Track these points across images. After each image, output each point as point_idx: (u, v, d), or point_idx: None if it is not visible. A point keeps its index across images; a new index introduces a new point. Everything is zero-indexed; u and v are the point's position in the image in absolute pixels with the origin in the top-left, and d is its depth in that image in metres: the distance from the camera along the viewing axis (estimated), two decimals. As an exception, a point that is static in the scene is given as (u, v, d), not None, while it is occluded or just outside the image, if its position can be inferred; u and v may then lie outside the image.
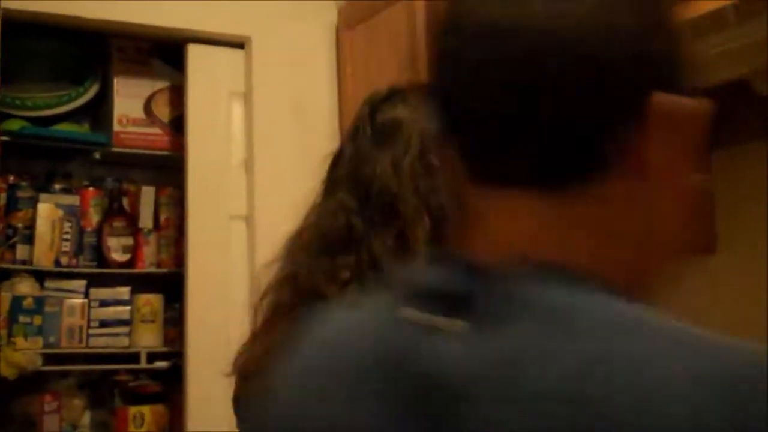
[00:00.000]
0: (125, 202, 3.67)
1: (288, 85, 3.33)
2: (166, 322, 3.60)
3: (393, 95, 1.30)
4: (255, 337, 1.28)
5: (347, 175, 1.27)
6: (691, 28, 1.82)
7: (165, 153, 3.62)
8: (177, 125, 3.54)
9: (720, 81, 1.66)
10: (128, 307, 3.55)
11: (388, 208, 1.21)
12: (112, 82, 3.59)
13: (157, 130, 3.63)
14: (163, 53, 3.64)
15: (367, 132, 1.27)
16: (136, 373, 3.57)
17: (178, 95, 3.54)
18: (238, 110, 3.34)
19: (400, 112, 1.26)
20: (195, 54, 3.31)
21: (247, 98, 3.34)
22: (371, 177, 1.23)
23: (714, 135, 2.21)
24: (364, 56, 3.20)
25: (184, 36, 3.29)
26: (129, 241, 3.61)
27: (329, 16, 3.41)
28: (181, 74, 3.40)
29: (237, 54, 3.37)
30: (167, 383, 3.54)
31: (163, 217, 3.67)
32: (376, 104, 1.30)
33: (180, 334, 3.35)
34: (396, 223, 1.20)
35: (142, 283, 3.62)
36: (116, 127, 3.56)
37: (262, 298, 1.29)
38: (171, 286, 3.49)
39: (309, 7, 3.42)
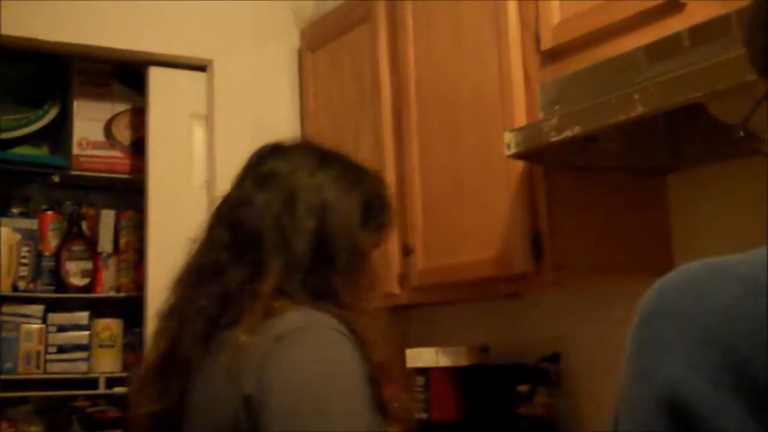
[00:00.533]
0: (84, 225, 3.64)
1: (250, 107, 3.33)
2: (126, 347, 3.57)
3: (277, 150, 1.48)
4: (146, 369, 1.41)
5: (226, 214, 1.43)
6: (646, 54, 1.86)
7: (125, 176, 3.60)
8: (137, 148, 3.53)
9: (676, 105, 1.69)
10: (87, 332, 3.52)
11: (252, 244, 1.36)
12: (72, 105, 3.57)
13: (117, 153, 3.61)
14: (124, 76, 3.62)
15: (249, 179, 1.44)
16: (94, 399, 3.53)
17: (138, 118, 3.53)
18: (199, 132, 3.34)
19: (280, 164, 1.44)
20: (156, 76, 3.30)
21: (209, 120, 3.33)
22: (244, 216, 1.39)
23: (672, 157, 2.25)
24: (327, 79, 3.21)
25: (145, 59, 3.28)
26: (88, 265, 3.58)
27: (291, 39, 3.43)
28: (142, 97, 3.39)
29: (198, 76, 3.37)
30: (127, 409, 3.49)
31: (122, 241, 3.65)
32: (261, 156, 1.48)
33: (139, 359, 3.32)
34: (255, 258, 1.34)
35: (101, 308, 3.59)
36: (75, 150, 3.54)
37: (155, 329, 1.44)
38: (130, 310, 3.46)
39: (271, 30, 3.43)
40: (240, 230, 1.39)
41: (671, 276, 0.65)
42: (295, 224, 1.36)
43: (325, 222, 1.38)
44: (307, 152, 1.48)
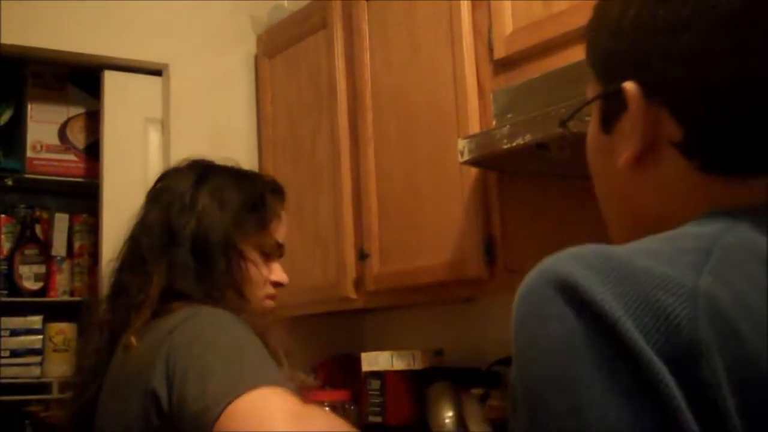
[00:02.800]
0: (38, 229, 3.61)
1: (206, 112, 3.33)
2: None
3: (171, 169, 1.61)
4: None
5: (129, 232, 1.55)
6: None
7: (79, 179, 3.58)
8: (92, 152, 3.51)
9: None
10: (40, 337, 3.48)
11: (141, 256, 1.48)
12: (26, 108, 3.54)
13: (71, 157, 3.59)
14: (79, 79, 3.60)
15: (147, 197, 1.58)
16: (47, 404, 3.50)
17: (93, 121, 3.51)
18: (154, 137, 3.33)
19: (167, 181, 1.57)
20: (111, 80, 3.29)
21: (164, 125, 3.33)
22: (135, 232, 1.53)
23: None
24: (283, 85, 3.23)
25: (100, 62, 3.27)
26: (41, 269, 3.55)
27: (248, 45, 3.44)
28: (97, 100, 3.37)
29: (154, 81, 3.36)
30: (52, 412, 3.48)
31: (76, 245, 3.62)
32: (160, 176, 1.61)
33: (83, 358, 3.30)
34: (145, 268, 1.46)
35: (54, 312, 3.56)
36: (30, 153, 3.51)
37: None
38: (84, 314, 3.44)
39: (228, 36, 3.44)
40: (133, 248, 1.52)
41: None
42: (174, 231, 1.47)
43: (200, 225, 1.47)
44: (192, 168, 1.58)
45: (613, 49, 0.73)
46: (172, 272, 1.43)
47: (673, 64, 0.68)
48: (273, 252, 1.61)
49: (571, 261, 0.61)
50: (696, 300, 0.56)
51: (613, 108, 0.73)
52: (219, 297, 1.42)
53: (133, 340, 1.36)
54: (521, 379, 0.60)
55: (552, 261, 0.62)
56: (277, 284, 1.62)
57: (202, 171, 1.57)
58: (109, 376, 1.41)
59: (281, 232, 1.62)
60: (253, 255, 1.54)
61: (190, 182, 1.53)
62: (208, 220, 1.49)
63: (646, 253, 0.61)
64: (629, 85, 0.70)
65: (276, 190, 1.64)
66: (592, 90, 0.77)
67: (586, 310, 0.57)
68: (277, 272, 1.61)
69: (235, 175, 1.60)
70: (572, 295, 0.58)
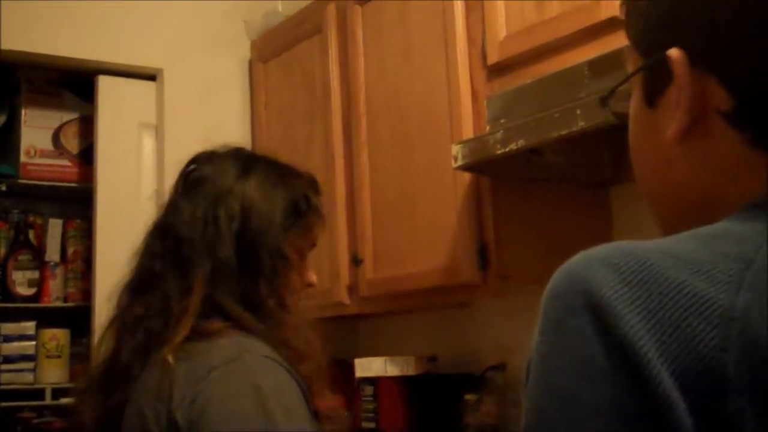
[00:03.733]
0: (31, 234, 3.60)
1: (200, 117, 3.33)
2: (73, 357, 3.53)
3: (206, 156, 1.50)
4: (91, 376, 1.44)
5: (159, 222, 1.45)
6: (589, 69, 1.91)
7: (73, 185, 3.58)
8: (86, 157, 3.50)
9: (617, 119, 1.73)
10: (33, 342, 3.47)
11: (180, 251, 1.38)
12: (20, 113, 3.53)
13: (65, 162, 3.58)
14: (73, 84, 3.60)
15: (180, 185, 1.47)
16: (40, 410, 3.49)
17: (87, 126, 3.50)
18: (148, 142, 3.33)
19: (207, 170, 1.45)
20: (105, 85, 3.29)
21: (158, 130, 3.33)
22: (172, 223, 1.42)
23: (614, 170, 2.30)
24: (277, 90, 3.23)
25: (94, 67, 3.27)
26: (35, 274, 3.54)
27: (242, 50, 3.44)
28: (91, 105, 3.37)
29: (148, 86, 3.36)
30: (70, 417, 3.46)
31: (70, 250, 3.62)
32: (192, 163, 1.49)
33: (87, 369, 3.29)
34: (184, 266, 1.36)
35: (47, 318, 3.55)
36: (23, 159, 3.50)
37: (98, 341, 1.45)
38: (78, 320, 3.43)
39: (222, 41, 3.44)
40: (169, 238, 1.40)
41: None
42: (219, 229, 1.38)
43: (247, 225, 1.39)
44: (234, 158, 1.49)
45: (654, 17, 0.69)
46: (215, 277, 1.34)
47: (720, 28, 0.64)
48: (308, 253, 1.54)
49: (604, 269, 0.58)
50: (729, 325, 0.53)
51: (657, 80, 0.69)
52: (260, 309, 1.34)
53: (170, 359, 1.26)
54: (536, 378, 0.59)
55: (585, 264, 0.60)
56: (309, 286, 1.55)
57: (245, 162, 1.48)
58: (140, 385, 1.31)
59: (321, 232, 1.56)
60: (295, 259, 1.46)
61: (233, 174, 1.43)
62: (256, 219, 1.40)
63: (682, 259, 0.57)
64: (674, 52, 0.66)
65: (317, 188, 1.56)
66: (633, 66, 0.73)
67: (611, 334, 0.55)
68: (311, 274, 1.55)
69: (278, 169, 1.50)
70: (599, 315, 0.56)
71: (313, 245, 1.54)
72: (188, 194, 1.44)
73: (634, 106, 0.73)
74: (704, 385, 0.53)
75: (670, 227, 0.73)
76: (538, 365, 0.59)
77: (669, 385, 0.53)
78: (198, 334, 1.29)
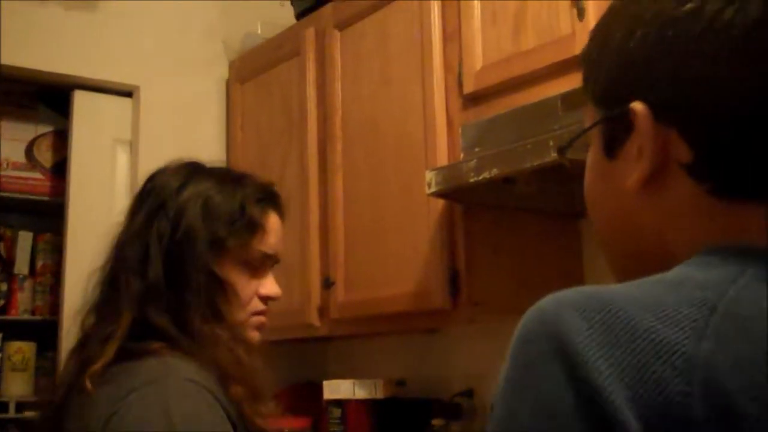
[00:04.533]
0: (1, 246, 3.58)
1: (175, 135, 3.33)
2: (38, 371, 3.50)
3: (159, 171, 1.47)
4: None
5: (113, 241, 1.43)
6: (563, 102, 1.94)
7: (45, 198, 3.56)
8: (59, 171, 3.49)
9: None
10: (-1, 355, 3.44)
11: (116, 272, 1.38)
12: (-6, 125, 3.52)
13: (38, 175, 3.56)
14: (49, 98, 3.59)
15: (133, 199, 1.46)
16: (4, 423, 3.46)
17: (61, 140, 3.49)
18: (123, 158, 3.32)
19: (155, 183, 1.44)
20: (81, 100, 3.28)
21: (133, 146, 3.32)
22: (117, 243, 1.42)
23: (584, 204, 2.31)
24: (254, 111, 3.24)
25: (71, 82, 3.26)
26: (3, 286, 3.51)
27: (220, 70, 3.45)
28: (66, 119, 3.36)
29: (124, 102, 3.36)
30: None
31: (39, 264, 3.59)
32: (147, 180, 1.47)
33: (52, 384, 3.27)
34: (120, 282, 1.36)
35: (14, 330, 3.52)
36: (-5, 170, 3.48)
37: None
38: (45, 334, 3.41)
39: (200, 60, 3.45)
40: (112, 257, 1.40)
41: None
42: (149, 246, 1.35)
43: (175, 240, 1.35)
44: (182, 168, 1.46)
45: (616, 72, 0.71)
46: (146, 297, 1.32)
47: (682, 84, 0.66)
48: (260, 265, 1.45)
49: (574, 315, 0.60)
50: (693, 371, 0.55)
51: (617, 132, 0.71)
52: (188, 328, 1.30)
53: (88, 385, 1.24)
54: (502, 419, 0.60)
55: (555, 310, 0.61)
56: (267, 298, 1.47)
57: (188, 173, 1.44)
58: (71, 412, 1.30)
59: (269, 242, 1.46)
60: (235, 271, 1.40)
61: (173, 187, 1.40)
62: (184, 232, 1.36)
63: (648, 305, 0.59)
64: (638, 106, 0.68)
65: (264, 198, 1.47)
66: (591, 117, 0.76)
67: (580, 380, 0.57)
68: (267, 285, 1.47)
69: (221, 179, 1.44)
70: (568, 361, 0.58)
71: (265, 256, 1.46)
72: (135, 209, 1.43)
73: (592, 156, 0.76)
74: (671, 428, 0.55)
75: (623, 273, 0.75)
76: (505, 406, 0.61)
77: (636, 430, 0.54)
78: (131, 355, 1.26)
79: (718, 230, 0.66)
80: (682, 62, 0.66)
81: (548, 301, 0.63)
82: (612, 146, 0.72)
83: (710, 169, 0.66)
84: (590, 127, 0.75)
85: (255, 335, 1.46)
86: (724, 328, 0.57)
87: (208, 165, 1.50)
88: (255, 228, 1.43)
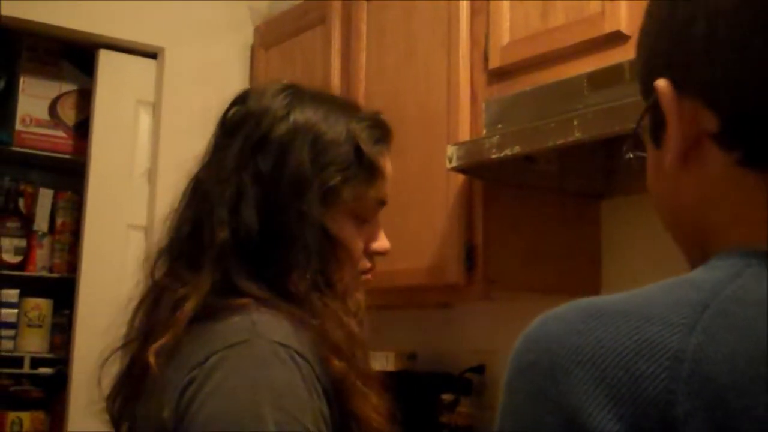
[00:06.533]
0: (21, 202, 3.60)
1: (198, 98, 3.32)
2: (54, 328, 3.54)
3: (254, 93, 1.24)
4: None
5: (191, 177, 1.21)
6: (589, 81, 1.92)
7: (67, 156, 3.58)
8: (81, 130, 3.50)
9: (613, 133, 1.74)
10: (15, 310, 3.47)
11: (198, 215, 1.15)
12: (18, 81, 3.53)
13: (60, 133, 3.58)
14: (74, 56, 3.60)
15: (216, 131, 1.22)
16: (18, 378, 3.49)
17: (85, 99, 3.50)
18: (145, 119, 3.33)
19: (250, 108, 1.19)
20: (106, 60, 3.28)
21: (156, 108, 3.33)
22: (199, 179, 1.19)
23: (606, 184, 2.30)
24: (278, 77, 3.23)
25: (96, 41, 3.26)
26: (22, 242, 3.54)
27: (245, 35, 3.44)
28: (89, 79, 3.37)
29: (149, 63, 3.36)
30: (49, 390, 3.47)
31: (59, 221, 3.62)
32: (233, 103, 1.24)
33: (67, 341, 3.30)
34: (198, 233, 1.13)
35: (32, 287, 3.55)
36: (18, 126, 3.50)
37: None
38: (62, 291, 3.44)
39: (225, 24, 3.44)
40: (194, 197, 1.17)
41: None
42: (247, 184, 1.12)
43: (278, 182, 1.12)
44: (285, 90, 1.21)
45: (644, 58, 0.72)
46: (234, 256, 1.09)
47: (696, 48, 0.65)
48: (372, 215, 1.24)
49: (555, 325, 0.61)
50: (679, 367, 0.54)
51: (657, 119, 0.70)
52: (296, 298, 1.08)
53: (152, 362, 1.05)
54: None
55: (540, 323, 0.62)
56: (376, 253, 1.27)
57: (291, 98, 1.19)
58: (140, 392, 1.11)
59: (386, 188, 1.24)
60: (347, 225, 1.18)
61: (279, 114, 1.16)
62: (290, 176, 1.12)
63: (636, 308, 0.59)
64: (660, 82, 0.67)
65: (381, 136, 1.25)
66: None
67: (553, 392, 0.57)
68: (377, 239, 1.26)
69: (330, 109, 1.20)
70: (544, 372, 0.58)
71: (381, 203, 1.24)
72: (223, 141, 1.18)
73: (648, 149, 0.75)
74: (653, 426, 0.54)
75: (690, 258, 0.73)
76: (496, 424, 0.62)
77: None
78: (211, 313, 1.06)
79: (751, 204, 0.64)
80: (691, 24, 0.65)
81: (537, 318, 0.63)
82: (656, 134, 0.71)
83: (738, 135, 0.64)
84: (639, 122, 0.74)
85: (362, 298, 1.24)
86: (715, 323, 0.56)
87: (309, 89, 1.25)
88: (374, 174, 1.21)
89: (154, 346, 1.05)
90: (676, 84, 0.67)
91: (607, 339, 0.57)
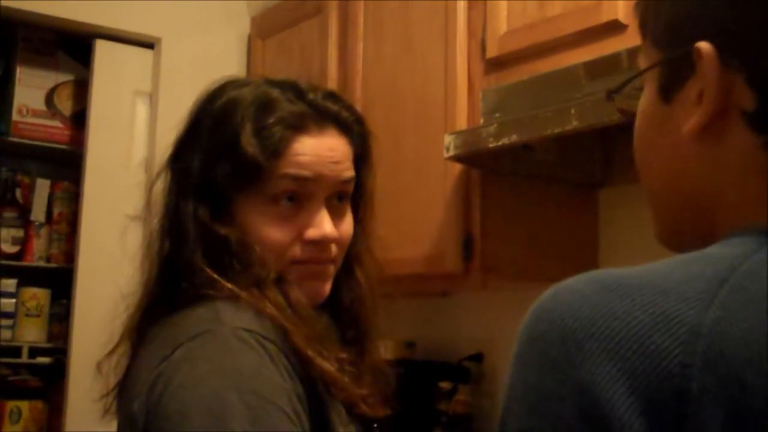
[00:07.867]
0: (18, 193, 3.60)
1: (195, 88, 3.25)
2: (52, 317, 3.54)
3: (227, 84, 1.26)
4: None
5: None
6: (586, 71, 1.92)
7: (63, 147, 3.58)
8: (78, 120, 3.50)
9: (610, 122, 1.75)
10: (13, 300, 3.48)
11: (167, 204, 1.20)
12: (15, 71, 3.52)
13: (57, 123, 3.57)
14: (70, 46, 3.59)
15: (206, 120, 1.23)
16: (16, 368, 3.50)
17: (82, 90, 3.50)
18: (142, 109, 3.33)
19: (236, 93, 1.22)
20: (102, 50, 3.28)
21: (153, 98, 3.32)
22: (181, 163, 1.22)
23: (604, 173, 2.31)
24: (274, 68, 3.22)
25: (92, 31, 3.26)
26: (19, 232, 3.54)
27: (242, 25, 3.43)
28: (86, 69, 3.36)
29: (145, 53, 3.36)
30: (48, 380, 3.48)
31: (56, 212, 3.62)
32: (212, 93, 1.26)
33: (65, 331, 3.30)
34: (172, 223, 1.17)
35: (29, 277, 3.56)
36: (15, 117, 3.50)
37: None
38: (59, 281, 3.44)
39: (222, 14, 3.44)
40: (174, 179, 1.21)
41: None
42: (192, 163, 1.19)
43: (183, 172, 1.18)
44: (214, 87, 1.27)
45: (683, 11, 0.68)
46: (180, 230, 1.15)
47: (752, 25, 0.62)
48: (281, 195, 1.14)
49: (569, 296, 0.59)
50: (695, 341, 0.53)
51: (676, 74, 0.67)
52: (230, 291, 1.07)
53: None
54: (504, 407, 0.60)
55: (552, 294, 0.60)
56: (310, 242, 1.15)
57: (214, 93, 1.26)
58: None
59: (300, 158, 1.14)
60: (257, 215, 1.14)
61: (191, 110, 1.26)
62: (198, 158, 1.18)
63: (652, 281, 0.58)
64: (705, 46, 0.64)
65: (298, 93, 1.19)
66: (647, 61, 0.72)
67: (565, 363, 0.56)
68: (312, 225, 1.15)
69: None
70: (557, 343, 0.57)
71: (295, 179, 1.14)
72: (221, 124, 1.22)
73: (645, 101, 0.72)
74: (667, 401, 0.53)
75: (669, 231, 0.73)
76: (505, 394, 0.60)
77: (624, 406, 0.53)
78: (176, 305, 1.08)
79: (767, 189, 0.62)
80: (753, 2, 0.63)
81: (550, 289, 0.62)
82: (670, 89, 0.69)
83: None
84: (649, 68, 0.71)
85: (305, 291, 1.17)
86: (732, 298, 0.55)
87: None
88: (277, 146, 1.15)
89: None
90: (719, 51, 0.64)
91: (621, 311, 0.56)
